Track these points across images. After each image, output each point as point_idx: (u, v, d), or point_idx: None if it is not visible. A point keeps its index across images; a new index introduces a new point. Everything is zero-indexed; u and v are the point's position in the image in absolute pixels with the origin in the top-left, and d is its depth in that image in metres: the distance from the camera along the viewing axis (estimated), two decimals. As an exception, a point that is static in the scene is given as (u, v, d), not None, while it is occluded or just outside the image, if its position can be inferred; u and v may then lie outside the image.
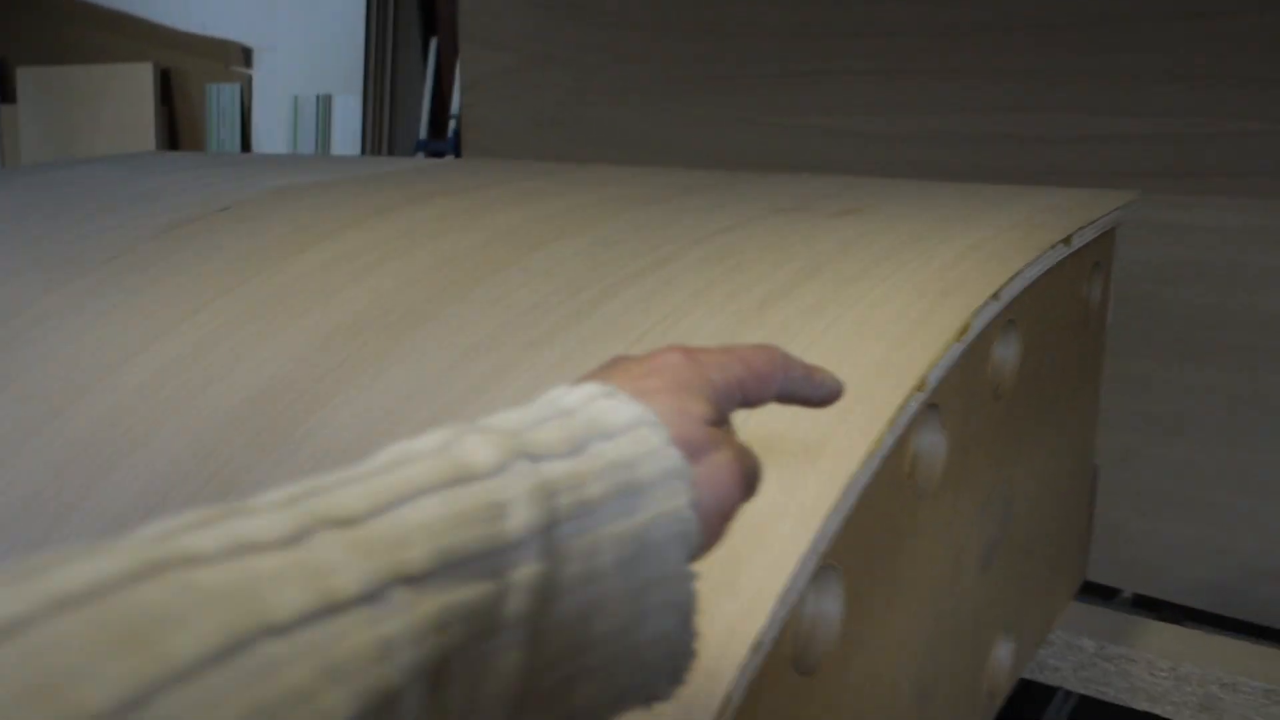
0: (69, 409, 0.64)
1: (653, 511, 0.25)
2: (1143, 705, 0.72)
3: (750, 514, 0.40)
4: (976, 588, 0.61)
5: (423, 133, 2.27)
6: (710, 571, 0.39)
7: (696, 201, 0.78)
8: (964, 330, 0.49)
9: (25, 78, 2.99)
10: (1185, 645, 0.73)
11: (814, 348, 0.49)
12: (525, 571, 0.22)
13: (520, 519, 0.23)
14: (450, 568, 0.21)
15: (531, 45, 1.78)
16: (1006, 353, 0.59)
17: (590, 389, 0.27)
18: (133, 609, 0.17)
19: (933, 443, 0.51)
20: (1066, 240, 0.61)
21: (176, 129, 2.85)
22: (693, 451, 0.27)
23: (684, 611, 0.26)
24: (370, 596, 0.19)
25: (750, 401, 0.31)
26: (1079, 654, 0.74)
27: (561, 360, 0.54)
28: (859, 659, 0.46)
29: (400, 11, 2.28)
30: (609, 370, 0.29)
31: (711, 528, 0.27)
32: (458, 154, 2.14)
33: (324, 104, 2.41)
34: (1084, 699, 0.76)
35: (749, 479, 0.28)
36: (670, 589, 0.25)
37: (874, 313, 0.52)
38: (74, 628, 0.16)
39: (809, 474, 0.42)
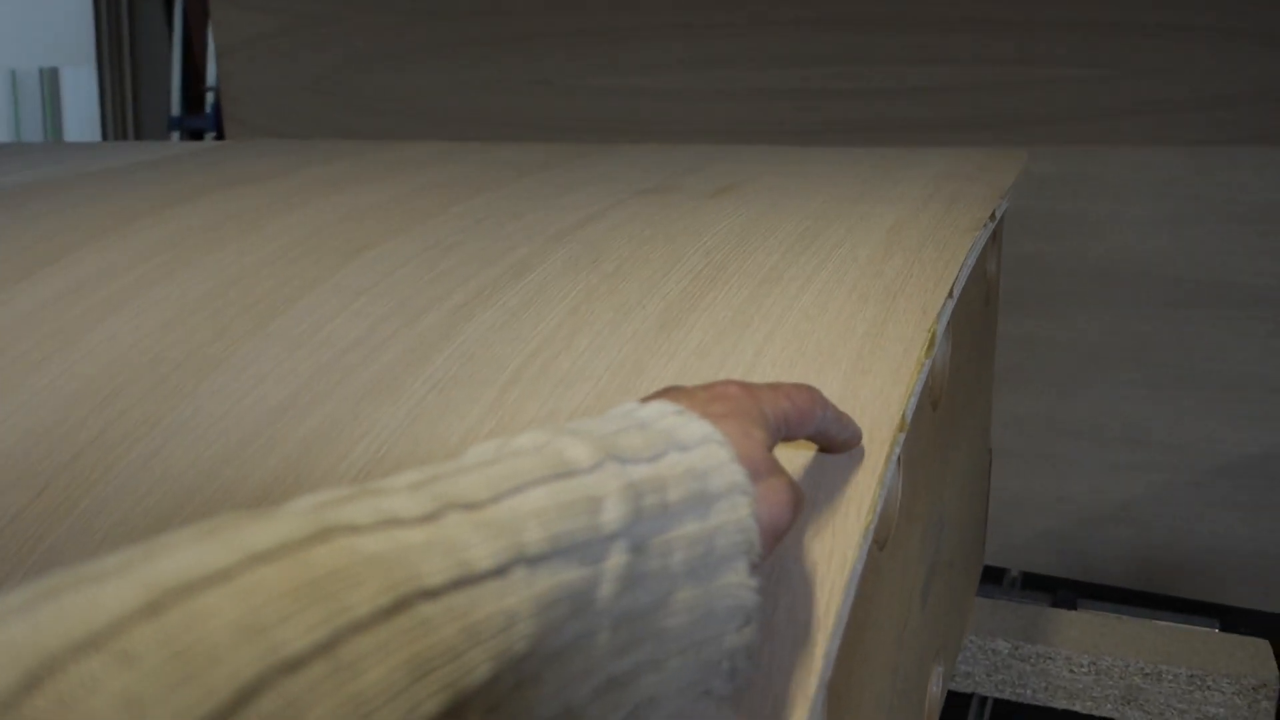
0: None
1: (720, 520, 0.27)
2: (1062, 703, 0.67)
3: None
4: (920, 625, 0.52)
5: (176, 108, 1.99)
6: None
7: (538, 185, 0.65)
8: (931, 343, 0.39)
9: None
10: (1104, 636, 0.68)
11: (749, 378, 0.38)
12: (616, 561, 0.24)
13: (614, 513, 0.25)
14: (560, 552, 0.23)
15: (295, 5, 1.58)
16: (943, 355, 0.50)
17: (662, 406, 0.29)
18: (315, 566, 0.19)
19: (892, 484, 0.42)
20: (992, 216, 0.52)
21: None
22: (754, 472, 0.28)
23: (745, 616, 0.27)
24: (499, 571, 0.22)
25: (791, 435, 0.32)
26: (993, 656, 0.68)
27: (410, 420, 0.40)
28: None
29: (134, -31, 1.98)
30: (674, 394, 0.31)
31: (766, 544, 0.28)
32: (219, 131, 1.89)
33: (49, 78, 2.07)
34: (999, 703, 0.71)
35: (797, 505, 0.30)
36: (733, 595, 0.27)
37: (812, 325, 0.41)
38: (271, 578, 0.19)
39: (793, 567, 0.31)
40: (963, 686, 0.70)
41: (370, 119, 1.59)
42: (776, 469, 0.29)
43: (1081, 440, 1.08)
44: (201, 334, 0.48)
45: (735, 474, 0.27)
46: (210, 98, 1.92)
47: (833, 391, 0.37)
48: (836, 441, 0.34)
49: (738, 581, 0.26)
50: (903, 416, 0.36)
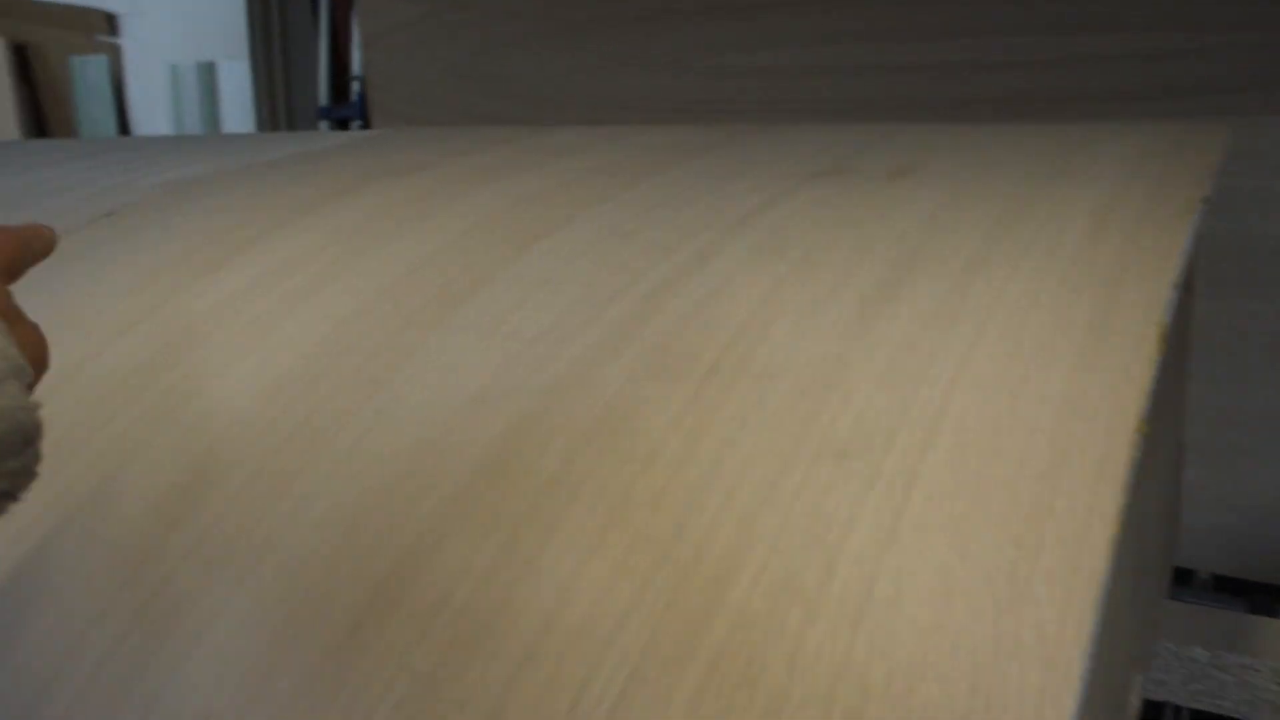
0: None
1: None
2: (1267, 719, 0.63)
3: (968, 649, 0.27)
4: (1126, 633, 0.50)
5: (324, 98, 2.05)
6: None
7: (704, 170, 0.64)
8: (1161, 338, 0.37)
9: None
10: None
11: (964, 376, 0.36)
12: None
13: None
14: None
15: (435, -9, 1.61)
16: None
17: None
18: None
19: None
20: (1206, 198, 0.49)
21: (41, 109, 2.56)
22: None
23: (25, 437, 0.30)
24: None
25: (16, 274, 0.37)
26: (1190, 665, 0.64)
27: (607, 413, 0.39)
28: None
29: (283, -37, 2.05)
30: None
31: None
32: (364, 120, 1.94)
33: (206, 72, 2.16)
34: (1196, 714, 0.67)
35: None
36: (9, 417, 0.29)
37: (1025, 318, 0.39)
38: None
39: (1035, 577, 0.29)
40: (1156, 694, 0.66)
41: (507, 103, 1.60)
42: (21, 315, 0.35)
43: (1273, 431, 1.01)
44: (390, 323, 0.49)
45: None
46: (355, 87, 1.98)
47: (1056, 390, 0.35)
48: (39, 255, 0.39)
49: (12, 405, 0.29)
50: (1140, 419, 0.33)
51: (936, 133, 0.71)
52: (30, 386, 0.33)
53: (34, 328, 0.36)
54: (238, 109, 2.14)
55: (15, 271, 0.37)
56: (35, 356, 0.35)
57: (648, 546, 0.33)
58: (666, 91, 1.44)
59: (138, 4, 2.30)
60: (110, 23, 2.40)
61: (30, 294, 0.61)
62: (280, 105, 2.06)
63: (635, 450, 0.37)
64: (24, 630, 0.41)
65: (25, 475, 0.31)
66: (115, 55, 2.42)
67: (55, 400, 0.50)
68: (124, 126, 2.44)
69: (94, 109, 2.45)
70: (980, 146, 0.64)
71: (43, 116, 2.60)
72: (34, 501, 0.45)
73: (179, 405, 0.48)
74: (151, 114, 2.33)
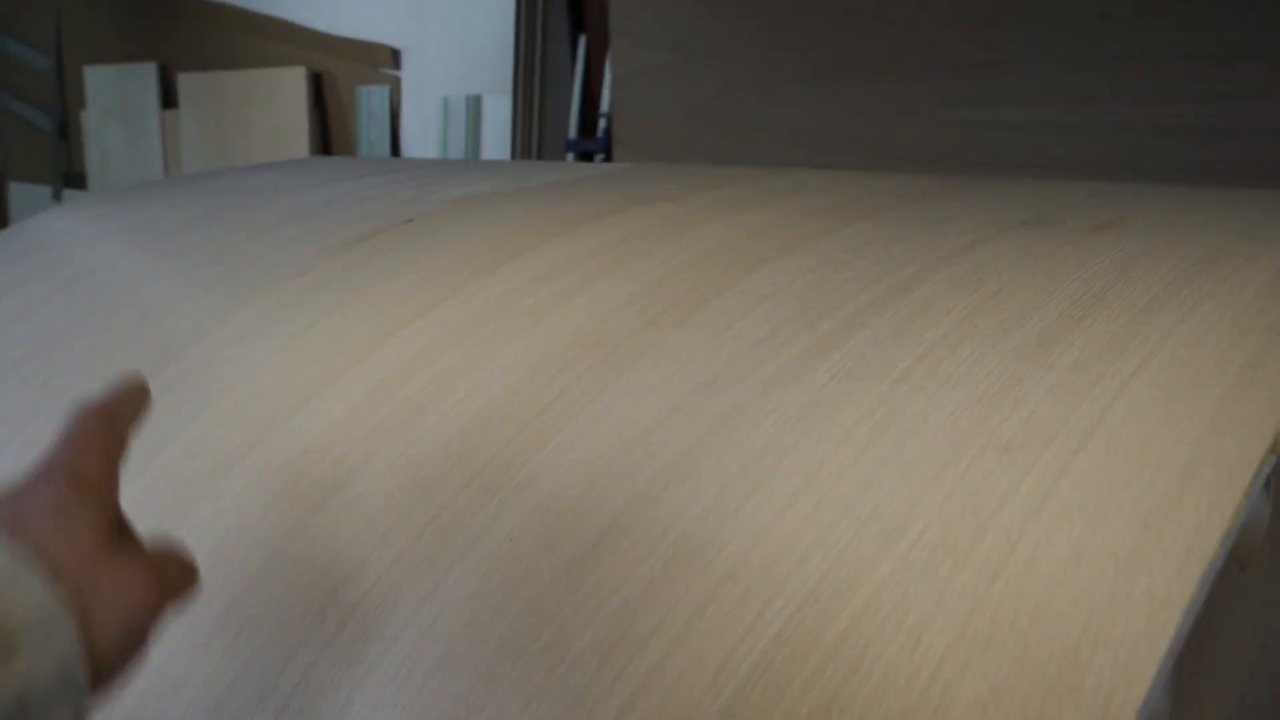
0: (273, 435, 0.61)
1: (30, 660, 0.23)
2: None
3: (1087, 599, 0.33)
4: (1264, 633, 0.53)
5: (572, 131, 2.24)
6: (1045, 671, 0.33)
7: (919, 213, 0.71)
8: (1319, 382, 0.41)
9: (186, 83, 3.11)
10: None
11: (1125, 395, 0.42)
12: None
13: None
14: None
15: (682, 39, 1.74)
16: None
17: None
18: None
19: (1259, 508, 0.44)
20: (1399, 261, 0.52)
21: (328, 131, 2.91)
22: (81, 575, 0.25)
23: None
24: None
25: (114, 470, 0.30)
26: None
27: (812, 403, 0.48)
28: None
29: (549, 10, 2.26)
30: None
31: (120, 648, 0.26)
32: (607, 153, 2.11)
33: (474, 105, 2.41)
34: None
35: (165, 580, 0.28)
36: None
37: (1190, 353, 0.44)
38: None
39: (1153, 553, 0.35)
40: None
41: (741, 144, 1.71)
42: (118, 549, 0.27)
43: None
44: (635, 322, 0.59)
45: (43, 598, 0.24)
46: (602, 123, 2.15)
47: (1209, 413, 0.40)
48: (138, 417, 0.33)
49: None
50: (1276, 438, 0.38)
51: (1147, 191, 0.75)
52: (154, 614, 0.28)
53: (171, 553, 0.31)
54: (496, 138, 2.37)
55: (117, 451, 0.31)
56: (172, 577, 0.30)
57: (830, 505, 0.41)
58: (901, 141, 1.49)
59: (421, 41, 2.58)
60: (395, 57, 2.70)
61: (339, 287, 0.75)
62: (534, 136, 2.26)
63: (832, 432, 0.45)
64: (334, 534, 0.53)
65: None
66: (396, 86, 2.72)
67: (371, 362, 0.64)
68: (396, 150, 2.74)
69: (373, 133, 2.76)
70: (1188, 204, 0.68)
71: (329, 137, 2.95)
72: (362, 422, 0.58)
73: (460, 376, 0.60)
74: (422, 140, 2.61)
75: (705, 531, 0.43)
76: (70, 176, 3.39)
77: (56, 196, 3.17)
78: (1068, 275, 0.54)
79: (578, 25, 2.27)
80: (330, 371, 0.65)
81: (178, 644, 0.51)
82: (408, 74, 2.69)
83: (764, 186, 0.85)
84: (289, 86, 2.89)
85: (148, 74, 3.15)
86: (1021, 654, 0.33)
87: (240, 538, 0.55)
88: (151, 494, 0.63)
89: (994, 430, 0.42)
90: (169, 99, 3.21)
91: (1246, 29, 1.17)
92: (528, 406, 0.55)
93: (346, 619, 0.48)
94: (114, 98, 3.21)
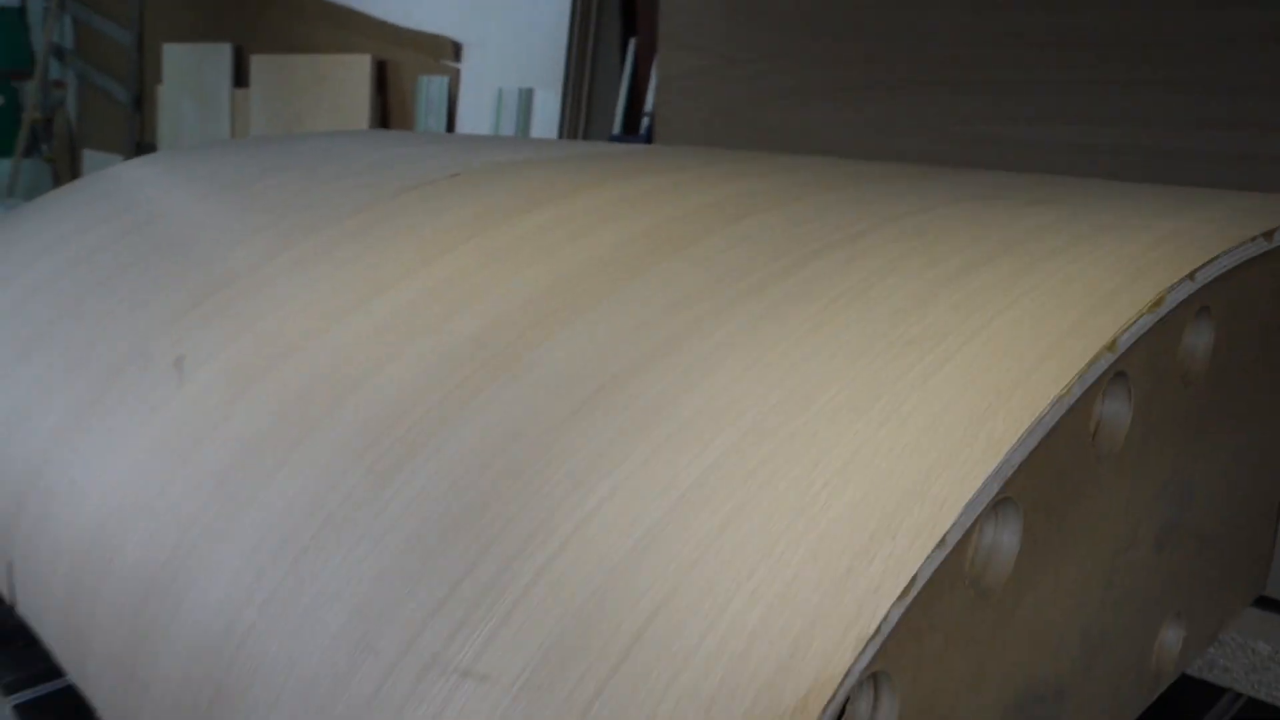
0: (330, 328, 0.74)
1: None
2: (1319, 716, 0.72)
3: (941, 440, 0.44)
4: (1149, 565, 0.63)
5: (616, 128, 2.37)
6: (899, 479, 0.44)
7: (885, 188, 0.82)
8: (1157, 304, 0.52)
9: (258, 65, 3.28)
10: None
11: (1008, 311, 0.53)
12: None
13: None
14: None
15: (721, 47, 1.85)
16: (1198, 340, 0.60)
17: None
18: None
19: (1118, 411, 0.54)
20: (1268, 235, 0.62)
21: (388, 116, 3.06)
22: None
23: None
24: None
25: None
26: (1252, 656, 0.74)
27: (764, 313, 0.59)
28: (1030, 596, 0.50)
29: (603, 12, 2.39)
30: None
31: None
32: (647, 149, 2.23)
33: (526, 98, 2.55)
34: (1252, 702, 0.76)
35: None
36: None
37: (1069, 286, 0.55)
38: None
39: (999, 410, 0.46)
40: (1220, 680, 0.76)
41: (767, 147, 1.82)
42: None
43: None
44: (640, 253, 0.71)
45: None
46: (645, 121, 2.27)
47: (1068, 324, 0.51)
48: None
49: None
50: (1114, 341, 0.49)
51: (1096, 182, 0.86)
52: None
53: None
54: (545, 130, 2.50)
55: None
56: None
57: (767, 377, 0.52)
58: (926, 154, 1.58)
59: (481, 36, 2.72)
60: (456, 50, 2.85)
61: (387, 223, 0.87)
62: (580, 131, 2.39)
63: (777, 331, 0.56)
64: (375, 399, 0.65)
65: None
66: (455, 77, 2.86)
67: (414, 278, 0.75)
68: (450, 138, 2.88)
69: (430, 121, 2.90)
70: (1123, 193, 0.78)
71: (388, 123, 3.10)
72: (404, 322, 0.69)
73: (488, 288, 0.72)
74: (475, 129, 2.75)
75: (668, 396, 0.54)
76: (142, 147, 3.57)
77: (129, 163, 3.35)
78: (993, 233, 0.65)
79: (629, 29, 2.40)
80: (367, 291, 0.77)
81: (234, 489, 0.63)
82: (467, 66, 2.83)
83: (759, 165, 0.96)
84: (355, 73, 3.05)
85: (223, 53, 3.33)
86: (890, 472, 0.44)
87: (300, 400, 0.68)
88: (219, 379, 0.76)
89: (903, 331, 0.53)
90: (240, 78, 3.38)
91: (1257, 61, 1.25)
92: (534, 314, 0.66)
93: (383, 454, 0.59)
94: (189, 74, 3.39)
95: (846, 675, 0.38)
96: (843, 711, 0.38)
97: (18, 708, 0.81)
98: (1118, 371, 0.52)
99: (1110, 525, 0.57)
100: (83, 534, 0.75)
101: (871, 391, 0.49)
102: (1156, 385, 0.57)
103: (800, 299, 0.60)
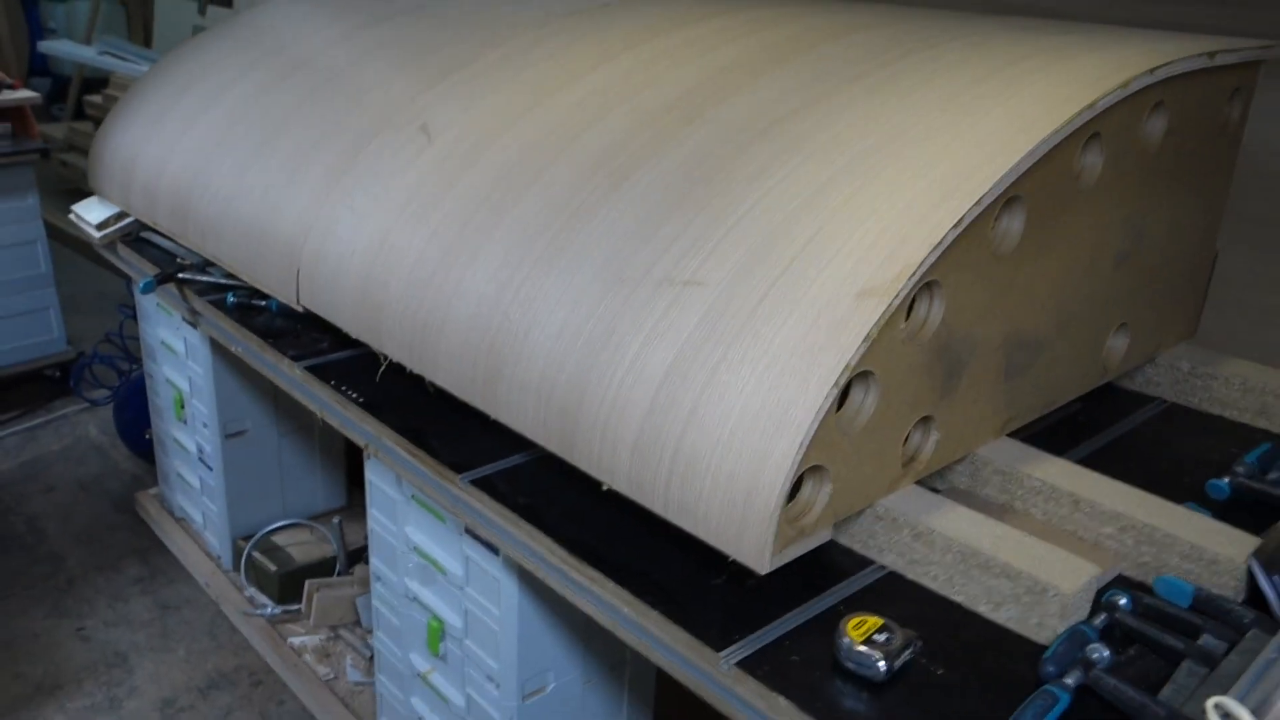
0: (534, 111, 1.02)
1: None
2: (1216, 410, 1.02)
3: (988, 150, 0.73)
4: (1108, 278, 0.92)
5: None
6: (963, 172, 0.73)
7: (942, 20, 1.09)
8: (1125, 84, 0.80)
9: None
10: (1255, 370, 1.02)
11: (1034, 85, 0.81)
12: None
13: None
14: None
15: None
16: (1156, 125, 0.89)
17: None
18: None
19: (1094, 161, 0.83)
20: (1210, 55, 0.89)
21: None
22: None
23: None
24: None
25: None
26: (1175, 373, 1.04)
27: (873, 87, 0.87)
28: (1025, 271, 0.80)
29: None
30: None
31: None
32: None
33: None
34: (1175, 405, 1.06)
35: None
36: None
37: (1074, 72, 0.82)
38: None
39: (1022, 136, 0.74)
40: (1151, 391, 1.06)
41: None
42: None
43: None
44: (775, 56, 0.98)
45: None
46: None
47: (1062, 98, 0.79)
48: None
49: None
50: (1094, 102, 0.77)
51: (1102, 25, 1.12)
52: None
53: None
54: None
55: None
56: None
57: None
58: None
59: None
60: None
61: (572, 33, 1.15)
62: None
63: (888, 93, 0.85)
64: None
65: None
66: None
67: (605, 70, 1.03)
68: None
69: None
70: (1123, 31, 1.05)
71: None
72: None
73: (663, 74, 1.00)
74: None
75: (809, 133, 0.83)
76: (212, -15, 3.71)
77: (201, 12, 3.50)
78: (1026, 44, 0.92)
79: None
80: (575, 72, 1.05)
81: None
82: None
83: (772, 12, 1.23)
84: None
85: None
86: (956, 169, 0.73)
87: (535, 146, 0.96)
88: (464, 136, 1.04)
89: (972, 91, 0.81)
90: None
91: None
92: (711, 87, 0.94)
93: (611, 172, 0.89)
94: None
95: (920, 265, 0.68)
96: (913, 305, 0.69)
97: (308, 369, 1.13)
98: (1094, 132, 0.81)
99: (1085, 235, 0.87)
100: (371, 240, 1.04)
101: (947, 126, 0.77)
102: (1123, 149, 0.85)
103: (900, 76, 0.87)
